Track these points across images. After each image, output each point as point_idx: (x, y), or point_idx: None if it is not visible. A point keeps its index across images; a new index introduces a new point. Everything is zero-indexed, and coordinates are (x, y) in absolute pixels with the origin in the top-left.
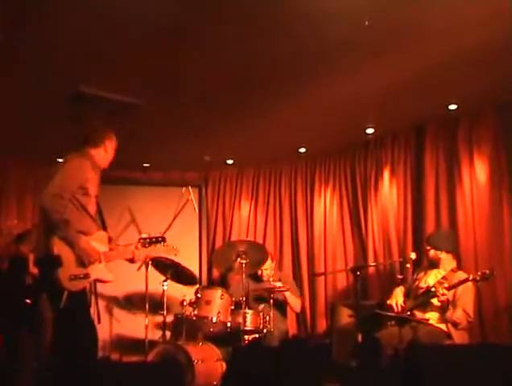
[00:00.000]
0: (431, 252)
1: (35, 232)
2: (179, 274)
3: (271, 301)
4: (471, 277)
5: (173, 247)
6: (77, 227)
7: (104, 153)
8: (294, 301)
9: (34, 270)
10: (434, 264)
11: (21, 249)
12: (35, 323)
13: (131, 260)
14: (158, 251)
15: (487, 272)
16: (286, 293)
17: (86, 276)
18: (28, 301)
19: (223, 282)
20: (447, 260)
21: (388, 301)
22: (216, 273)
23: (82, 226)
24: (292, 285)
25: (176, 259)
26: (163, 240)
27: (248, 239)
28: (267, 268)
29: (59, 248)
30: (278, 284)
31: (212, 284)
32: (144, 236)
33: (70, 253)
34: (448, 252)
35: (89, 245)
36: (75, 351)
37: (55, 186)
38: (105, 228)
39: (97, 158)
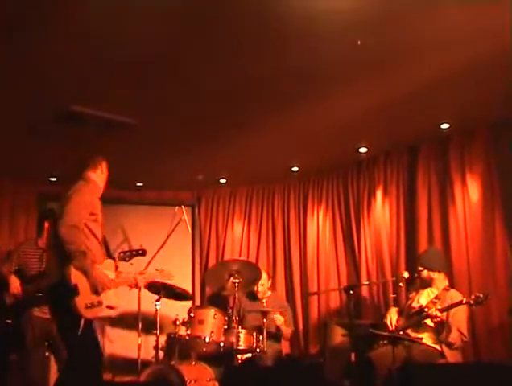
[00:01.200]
0: (425, 273)
1: (16, 253)
2: (171, 292)
3: (264, 320)
4: (464, 301)
5: (169, 273)
6: (91, 256)
7: (101, 175)
8: (286, 331)
9: (17, 290)
10: (426, 283)
11: (2, 272)
12: (16, 343)
13: (135, 286)
14: (155, 276)
15: (481, 296)
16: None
17: (100, 303)
18: (9, 321)
19: (216, 301)
20: (439, 280)
21: (384, 320)
22: (209, 292)
23: (93, 254)
24: (287, 312)
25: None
26: (143, 253)
27: (241, 258)
28: (263, 284)
29: (75, 275)
30: (278, 317)
31: (205, 303)
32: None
33: (85, 282)
34: (440, 271)
35: (103, 274)
36: (86, 374)
37: (72, 217)
38: (109, 255)
39: (97, 180)
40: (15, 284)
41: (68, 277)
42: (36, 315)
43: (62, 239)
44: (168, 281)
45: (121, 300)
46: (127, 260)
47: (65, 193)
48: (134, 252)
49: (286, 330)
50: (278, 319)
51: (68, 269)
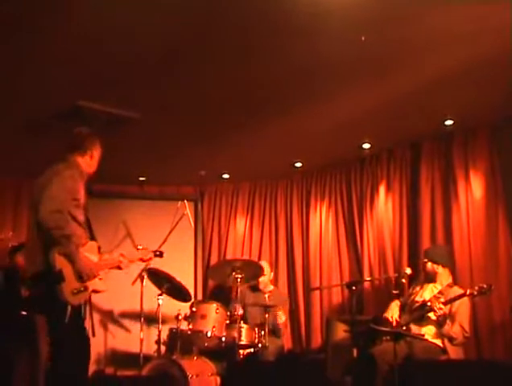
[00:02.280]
0: (429, 265)
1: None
2: (174, 289)
3: (266, 315)
4: (468, 292)
5: (148, 250)
6: (75, 241)
7: (89, 161)
8: (280, 317)
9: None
10: (430, 278)
11: (15, 261)
12: (32, 336)
13: (118, 268)
14: (137, 255)
15: (484, 286)
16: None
17: (86, 288)
18: (24, 313)
19: (219, 296)
20: (443, 275)
21: (384, 314)
22: (211, 287)
23: (76, 238)
24: (286, 303)
25: (172, 272)
26: (161, 254)
27: (243, 257)
28: (265, 274)
29: (60, 263)
30: (280, 314)
31: (207, 298)
32: (140, 247)
33: (70, 268)
34: (444, 266)
35: (87, 259)
36: (72, 365)
37: (54, 201)
38: (93, 237)
39: (83, 165)
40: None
41: (52, 264)
42: None
43: (45, 225)
44: (149, 257)
45: (107, 282)
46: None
47: (43, 176)
48: (152, 254)
49: (283, 319)
50: (280, 317)
51: (53, 256)
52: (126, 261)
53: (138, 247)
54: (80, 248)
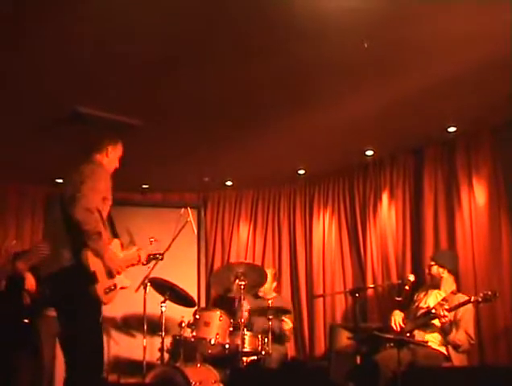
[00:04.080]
0: (434, 269)
1: (32, 252)
2: (177, 295)
3: (270, 322)
4: (473, 299)
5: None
6: (103, 237)
7: (107, 159)
8: (286, 323)
9: (32, 287)
10: (435, 282)
11: (18, 267)
12: (35, 344)
13: (138, 262)
14: (151, 250)
15: (489, 293)
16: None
17: (115, 286)
18: (27, 320)
19: (222, 303)
20: (448, 282)
21: (389, 322)
22: (214, 294)
23: (105, 235)
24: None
25: (175, 280)
26: (161, 256)
27: (247, 261)
28: (267, 281)
29: (92, 262)
30: (287, 320)
31: (210, 305)
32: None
33: (101, 266)
34: (450, 271)
35: (115, 256)
36: (92, 362)
37: (87, 200)
38: (116, 235)
39: (105, 163)
40: (30, 281)
41: (86, 262)
42: (52, 315)
43: (78, 221)
44: (161, 252)
45: (128, 279)
46: (145, 264)
47: (72, 174)
48: (152, 256)
49: (290, 326)
50: (287, 323)
51: (86, 254)
52: (144, 255)
53: (150, 239)
54: (108, 246)
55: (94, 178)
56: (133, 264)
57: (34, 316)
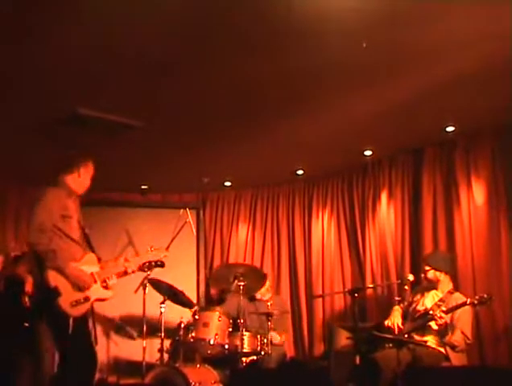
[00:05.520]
0: (431, 273)
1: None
2: (176, 298)
3: (269, 323)
4: (468, 301)
5: (160, 248)
6: (65, 255)
7: (77, 179)
8: (274, 337)
9: (32, 290)
10: (432, 285)
11: (17, 271)
12: (34, 347)
13: (125, 273)
14: (146, 256)
15: (485, 296)
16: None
17: (86, 299)
18: (26, 324)
19: (220, 303)
20: (444, 282)
21: (386, 322)
22: (213, 292)
23: (70, 253)
24: (287, 317)
25: (174, 281)
26: (162, 264)
27: (246, 262)
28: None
29: (54, 277)
30: (274, 335)
31: (209, 305)
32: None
33: (65, 281)
34: (446, 273)
35: (79, 271)
36: (78, 373)
37: (36, 222)
38: (92, 250)
39: (72, 184)
40: (31, 284)
41: (46, 280)
42: None
43: (30, 243)
44: (162, 258)
45: (113, 290)
46: (146, 271)
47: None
48: (153, 263)
49: (276, 337)
50: (275, 338)
51: (46, 272)
52: (133, 265)
53: (151, 248)
54: (71, 262)
55: (47, 198)
56: (126, 273)
57: (34, 319)
